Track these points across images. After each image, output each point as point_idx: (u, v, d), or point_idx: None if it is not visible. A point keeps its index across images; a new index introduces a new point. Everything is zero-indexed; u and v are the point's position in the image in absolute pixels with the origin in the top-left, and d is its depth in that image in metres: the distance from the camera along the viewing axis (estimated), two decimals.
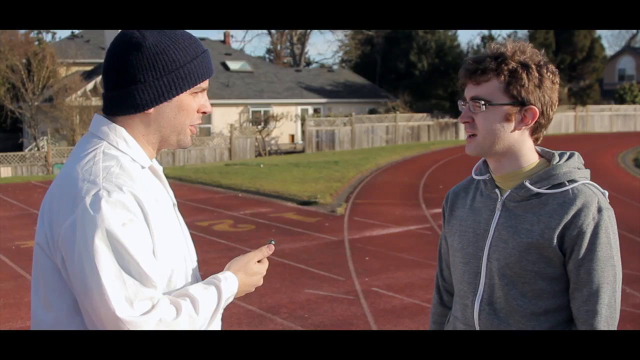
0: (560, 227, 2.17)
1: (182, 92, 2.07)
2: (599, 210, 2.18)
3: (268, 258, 2.24)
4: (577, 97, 48.66)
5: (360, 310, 7.70)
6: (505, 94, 2.20)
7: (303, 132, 37.60)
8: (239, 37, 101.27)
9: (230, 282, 2.11)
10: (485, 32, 48.08)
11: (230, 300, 2.13)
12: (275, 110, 39.23)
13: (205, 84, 2.14)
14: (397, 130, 38.66)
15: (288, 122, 38.52)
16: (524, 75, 2.19)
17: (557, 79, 2.27)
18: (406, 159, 28.54)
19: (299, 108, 41.62)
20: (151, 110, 2.06)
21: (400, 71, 47.70)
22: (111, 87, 2.07)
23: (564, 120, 45.51)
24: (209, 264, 9.98)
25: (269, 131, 36.36)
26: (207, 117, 38.62)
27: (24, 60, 36.08)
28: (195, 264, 2.19)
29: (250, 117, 38.89)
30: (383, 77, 50.43)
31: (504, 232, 2.27)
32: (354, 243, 11.42)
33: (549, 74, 2.23)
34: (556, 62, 46.84)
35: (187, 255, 2.14)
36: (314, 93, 43.34)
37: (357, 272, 9.45)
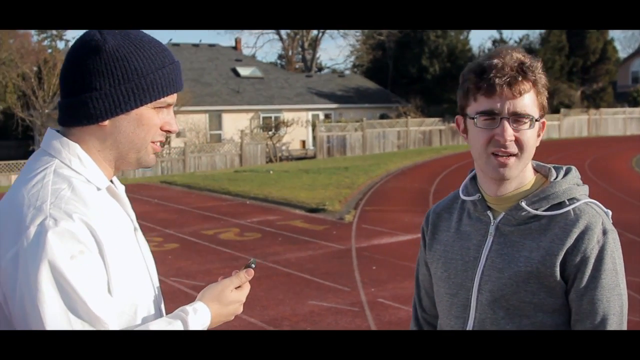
0: (561, 253, 1.95)
1: (142, 105, 1.83)
2: (604, 232, 1.96)
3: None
4: (590, 100, 48.34)
5: (365, 323, 7.49)
6: (538, 106, 2.00)
7: (314, 137, 37.42)
8: (250, 43, 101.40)
9: (201, 315, 1.88)
10: (497, 35, 47.78)
11: None
12: (286, 116, 39.07)
13: (171, 99, 1.90)
14: (408, 135, 38.43)
15: (299, 127, 38.36)
16: (545, 84, 2.01)
17: None
18: (417, 164, 28.30)
19: (310, 114, 41.48)
20: (107, 123, 1.82)
21: (412, 76, 47.50)
22: (66, 94, 1.84)
23: (577, 124, 45.16)
24: (212, 274, 9.82)
25: (280, 137, 36.18)
26: (217, 123, 38.90)
27: (35, 68, 36.08)
28: (158, 294, 1.98)
29: (261, 123, 38.73)
30: (395, 81, 50.23)
31: (498, 260, 2.03)
32: (361, 252, 11.21)
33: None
34: (569, 64, 46.58)
35: (149, 286, 1.92)
36: (324, 98, 43.19)
37: (364, 282, 9.24)
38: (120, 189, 1.99)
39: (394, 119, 40.29)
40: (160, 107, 1.89)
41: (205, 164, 31.39)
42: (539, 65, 2.00)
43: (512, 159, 1.99)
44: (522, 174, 2.05)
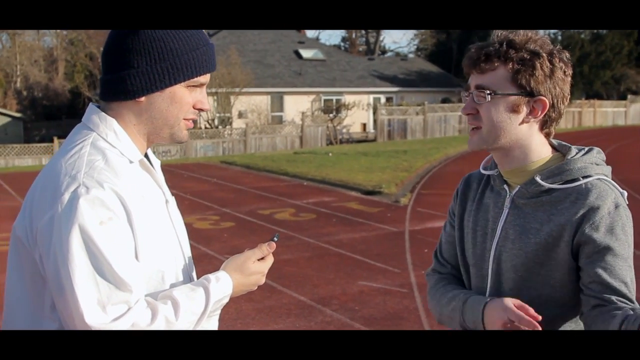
0: (570, 223, 2.00)
1: (176, 83, 1.95)
2: (616, 206, 2.00)
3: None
4: None
5: (413, 304, 7.55)
6: (513, 83, 2.03)
7: (375, 121, 37.40)
8: None
9: (223, 283, 1.99)
10: None
11: (224, 302, 2.01)
12: (347, 98, 39.10)
13: (204, 78, 2.01)
14: None
15: (360, 110, 38.38)
16: (535, 64, 2.02)
17: (570, 71, 2.08)
18: None
19: (371, 97, 41.44)
20: (142, 99, 1.95)
21: None
22: (106, 71, 1.98)
23: None
24: None
25: (341, 120, 36.26)
26: (279, 104, 39.18)
27: (102, 49, 36.83)
28: (189, 262, 2.10)
29: (322, 105, 38.87)
30: (459, 65, 49.64)
31: (511, 231, 2.11)
32: (414, 234, 11.25)
33: (560, 64, 2.04)
34: (637, 50, 45.42)
35: (178, 255, 2.04)
36: (386, 82, 43.06)
37: (414, 264, 9.29)
38: (156, 163, 2.12)
39: (455, 103, 39.94)
40: (193, 86, 1.99)
41: (266, 145, 31.67)
42: (526, 47, 2.03)
43: (475, 132, 2.12)
44: (522, 150, 2.11)
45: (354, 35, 64.77)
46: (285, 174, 20.45)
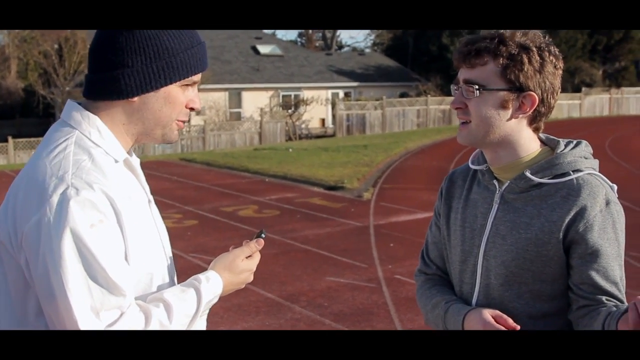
0: (562, 221, 1.99)
1: (171, 83, 1.89)
2: (607, 202, 2.00)
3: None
4: (612, 79, 47.91)
5: (382, 299, 7.55)
6: (502, 78, 2.02)
7: (334, 116, 37.40)
8: None
9: (213, 283, 1.95)
10: None
11: (214, 301, 1.97)
12: (306, 94, 39.04)
13: (197, 77, 1.96)
14: (428, 114, 38.28)
15: (319, 106, 38.31)
16: (523, 59, 2.00)
17: (560, 64, 2.07)
18: (436, 142, 28.21)
19: (330, 92, 41.41)
20: (135, 99, 1.88)
21: (433, 54, 47.23)
22: (96, 69, 1.89)
23: (599, 103, 44.76)
24: None
25: (300, 115, 36.19)
26: (237, 101, 38.83)
27: (56, 46, 36.32)
28: (171, 263, 2.04)
29: (281, 101, 38.77)
30: (415, 60, 50.01)
31: (502, 227, 2.09)
32: (378, 229, 11.26)
33: (551, 57, 2.03)
34: (591, 43, 46.13)
35: (163, 256, 1.99)
36: (344, 77, 43.10)
37: (381, 259, 9.29)
38: (136, 161, 2.04)
39: (413, 97, 40.14)
40: (186, 85, 1.94)
41: (225, 142, 31.49)
42: (516, 41, 2.01)
43: (465, 126, 2.10)
44: (511, 146, 2.10)
45: (310, 31, 64.69)
46: (246, 170, 20.32)
